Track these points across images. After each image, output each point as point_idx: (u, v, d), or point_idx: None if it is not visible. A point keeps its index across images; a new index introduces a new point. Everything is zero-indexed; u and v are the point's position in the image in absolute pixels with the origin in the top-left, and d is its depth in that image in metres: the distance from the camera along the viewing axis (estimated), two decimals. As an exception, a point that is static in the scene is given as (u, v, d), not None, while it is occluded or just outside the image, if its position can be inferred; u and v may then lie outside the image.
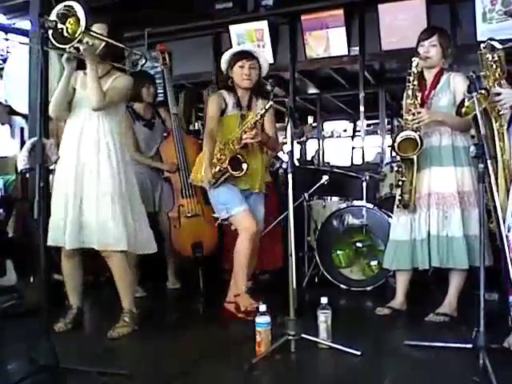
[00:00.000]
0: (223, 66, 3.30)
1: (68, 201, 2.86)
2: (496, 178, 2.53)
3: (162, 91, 4.91)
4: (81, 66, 2.90)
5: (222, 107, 3.22)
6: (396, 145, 3.01)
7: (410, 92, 3.05)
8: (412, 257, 3.11)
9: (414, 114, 3.00)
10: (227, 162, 3.07)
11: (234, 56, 3.24)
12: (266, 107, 3.05)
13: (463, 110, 2.56)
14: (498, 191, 2.39)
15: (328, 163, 7.16)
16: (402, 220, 3.16)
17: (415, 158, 3.02)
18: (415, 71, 3.03)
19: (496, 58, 2.72)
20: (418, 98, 3.05)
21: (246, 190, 3.22)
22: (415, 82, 3.04)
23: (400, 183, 3.10)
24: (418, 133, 2.98)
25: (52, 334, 2.39)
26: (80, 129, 2.92)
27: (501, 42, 2.80)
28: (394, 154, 3.14)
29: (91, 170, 2.88)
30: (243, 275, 3.12)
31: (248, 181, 3.21)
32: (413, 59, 3.06)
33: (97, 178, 2.87)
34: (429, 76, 3.14)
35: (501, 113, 2.64)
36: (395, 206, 3.21)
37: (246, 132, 3.09)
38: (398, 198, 3.14)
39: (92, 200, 2.85)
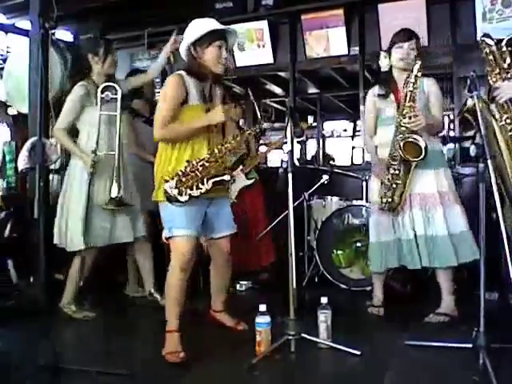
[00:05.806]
0: (189, 39, 2.64)
1: None
2: (496, 178, 2.52)
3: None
4: None
5: (183, 95, 2.60)
6: (402, 144, 2.96)
7: (408, 95, 2.96)
8: (399, 254, 3.13)
9: (410, 118, 2.96)
10: (210, 183, 2.56)
11: (213, 33, 2.61)
12: (256, 130, 2.71)
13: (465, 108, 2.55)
14: (497, 191, 2.38)
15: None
16: (384, 220, 3.16)
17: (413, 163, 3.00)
18: (418, 75, 2.93)
19: (494, 49, 2.72)
20: (416, 102, 2.96)
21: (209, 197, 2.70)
22: (416, 86, 2.94)
23: (394, 186, 3.05)
24: (426, 141, 2.94)
25: (52, 333, 2.39)
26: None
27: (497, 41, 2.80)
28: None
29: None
30: (175, 310, 2.62)
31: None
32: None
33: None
34: (400, 78, 3.11)
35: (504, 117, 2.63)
36: (375, 208, 3.20)
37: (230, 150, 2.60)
38: (384, 200, 3.08)
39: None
